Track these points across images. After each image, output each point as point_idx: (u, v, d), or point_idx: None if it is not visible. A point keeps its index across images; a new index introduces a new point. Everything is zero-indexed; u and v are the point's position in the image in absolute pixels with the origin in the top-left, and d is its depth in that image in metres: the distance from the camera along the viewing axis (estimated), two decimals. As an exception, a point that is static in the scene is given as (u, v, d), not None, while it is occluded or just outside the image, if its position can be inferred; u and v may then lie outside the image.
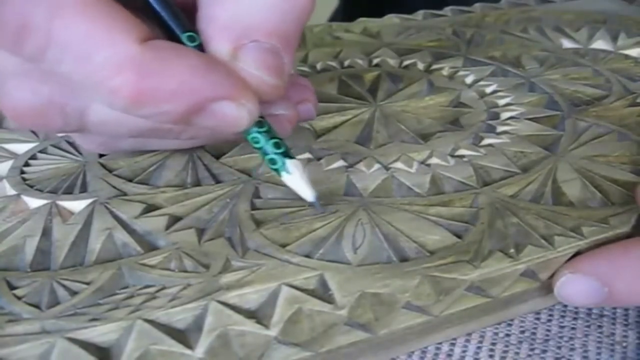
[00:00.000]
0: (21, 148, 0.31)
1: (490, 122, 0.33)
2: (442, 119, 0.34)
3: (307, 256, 0.24)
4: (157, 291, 0.23)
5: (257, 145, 0.26)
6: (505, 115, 0.34)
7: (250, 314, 0.22)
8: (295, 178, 0.26)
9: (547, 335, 0.25)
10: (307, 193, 0.26)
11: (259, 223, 0.26)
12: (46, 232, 0.26)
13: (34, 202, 0.27)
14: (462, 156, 0.30)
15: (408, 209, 0.27)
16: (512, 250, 0.24)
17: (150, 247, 0.25)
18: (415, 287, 0.23)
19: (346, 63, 0.40)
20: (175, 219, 0.26)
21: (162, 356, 0.21)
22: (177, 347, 0.21)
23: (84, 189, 0.28)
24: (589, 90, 0.36)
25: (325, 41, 0.43)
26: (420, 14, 0.47)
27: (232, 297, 0.22)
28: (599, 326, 0.26)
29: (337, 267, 0.24)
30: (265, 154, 0.26)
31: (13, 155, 0.31)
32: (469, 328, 0.25)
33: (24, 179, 0.29)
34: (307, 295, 0.23)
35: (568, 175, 0.29)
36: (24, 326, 0.21)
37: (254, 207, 0.27)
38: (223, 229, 0.26)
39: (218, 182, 0.29)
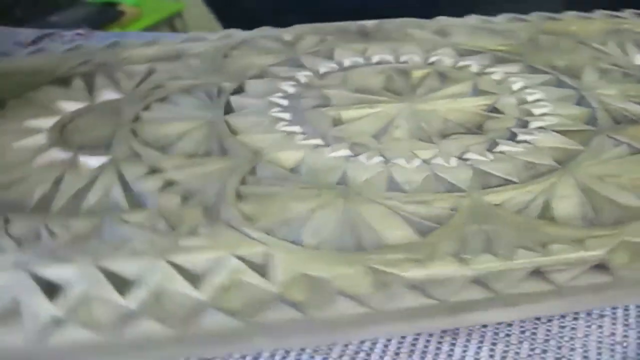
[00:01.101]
0: (73, 106, 0.35)
1: (515, 129, 0.32)
2: (468, 122, 0.33)
3: (269, 233, 0.25)
4: (123, 244, 0.25)
5: None
6: (534, 124, 0.33)
7: (192, 277, 0.24)
8: None
9: (548, 335, 0.25)
10: None
11: (241, 197, 0.27)
12: (57, 182, 0.29)
13: (60, 155, 0.31)
14: (467, 159, 0.30)
15: (385, 203, 0.27)
16: (467, 256, 0.24)
17: (138, 206, 0.28)
18: (353, 277, 0.24)
19: (402, 59, 0.40)
20: (169, 184, 0.28)
21: (101, 302, 0.23)
22: (114, 296, 0.23)
23: (108, 148, 0.31)
24: (638, 109, 0.34)
25: (393, 36, 0.43)
26: (502, 17, 0.46)
27: (181, 259, 0.24)
28: (600, 326, 0.25)
29: (288, 247, 0.25)
30: None
31: (62, 112, 0.34)
32: (417, 328, 0.25)
33: (61, 134, 0.32)
34: (248, 268, 0.24)
35: (567, 192, 0.28)
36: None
37: (244, 183, 0.28)
38: (207, 199, 0.27)
39: (225, 156, 0.31)
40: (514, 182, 0.29)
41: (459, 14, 0.46)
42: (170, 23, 1.07)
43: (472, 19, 0.46)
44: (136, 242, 0.25)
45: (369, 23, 0.45)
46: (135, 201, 0.28)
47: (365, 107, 0.34)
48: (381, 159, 0.30)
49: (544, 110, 0.34)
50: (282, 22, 0.44)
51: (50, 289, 0.23)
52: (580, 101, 0.35)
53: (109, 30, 0.83)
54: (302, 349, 0.25)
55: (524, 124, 0.33)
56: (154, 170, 0.29)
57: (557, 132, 0.32)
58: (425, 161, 0.30)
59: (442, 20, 0.45)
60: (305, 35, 0.43)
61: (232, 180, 0.28)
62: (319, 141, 0.31)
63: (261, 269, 0.24)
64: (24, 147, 0.31)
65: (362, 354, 0.24)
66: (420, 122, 0.33)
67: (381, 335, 0.25)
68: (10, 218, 0.26)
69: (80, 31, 0.51)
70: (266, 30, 0.44)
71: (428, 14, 0.46)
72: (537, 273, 0.25)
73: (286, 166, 0.30)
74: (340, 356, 0.24)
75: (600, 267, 0.25)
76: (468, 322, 0.25)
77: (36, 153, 0.31)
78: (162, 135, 0.32)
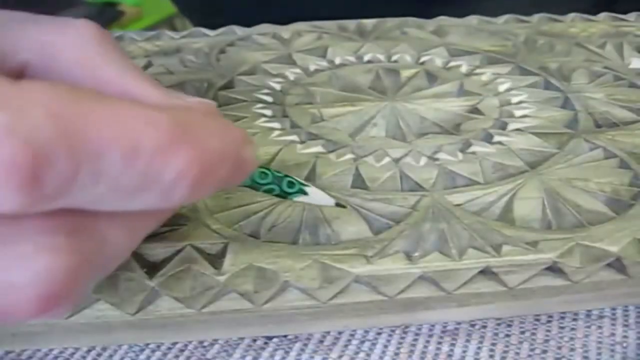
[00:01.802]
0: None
1: (492, 130, 0.32)
2: (447, 122, 0.33)
3: (229, 226, 0.26)
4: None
5: (274, 194, 0.24)
6: (512, 126, 0.33)
7: (148, 265, 0.25)
8: (313, 192, 0.25)
9: (548, 336, 0.25)
10: (328, 200, 0.25)
11: (208, 190, 0.28)
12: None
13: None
14: (437, 159, 0.30)
15: (347, 199, 0.27)
16: (416, 254, 0.25)
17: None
18: (301, 270, 0.24)
19: (394, 58, 0.40)
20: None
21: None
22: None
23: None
24: (622, 113, 0.34)
25: (389, 35, 0.44)
26: (503, 18, 0.46)
27: (142, 247, 0.25)
28: (599, 327, 0.26)
29: (245, 239, 0.25)
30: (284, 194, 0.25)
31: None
32: (369, 323, 0.26)
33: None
34: (201, 257, 0.24)
35: (531, 194, 0.28)
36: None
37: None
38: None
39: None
40: (479, 183, 0.29)
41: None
42: (170, 23, 1.08)
43: (473, 20, 0.46)
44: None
45: (368, 22, 0.45)
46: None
47: (346, 105, 0.35)
48: (352, 156, 0.30)
49: (525, 112, 0.34)
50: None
51: None
52: (565, 104, 0.35)
53: (109, 30, 0.85)
54: (302, 349, 0.25)
55: (503, 126, 0.33)
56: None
57: (535, 134, 0.32)
58: (394, 160, 0.30)
59: (442, 20, 0.45)
60: (303, 32, 0.44)
61: (203, 173, 0.29)
62: (294, 137, 0.32)
63: (213, 260, 0.25)
64: None
65: (362, 354, 0.25)
66: (398, 121, 0.33)
67: (331, 329, 0.26)
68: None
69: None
70: (265, 27, 0.45)
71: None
72: (491, 274, 0.25)
73: (260, 162, 0.30)
74: (340, 356, 0.25)
75: (557, 270, 0.25)
76: (418, 319, 0.26)
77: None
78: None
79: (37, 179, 0.15)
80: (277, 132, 0.32)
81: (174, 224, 0.26)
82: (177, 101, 0.22)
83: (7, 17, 0.22)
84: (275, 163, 0.30)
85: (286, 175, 0.24)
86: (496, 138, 0.32)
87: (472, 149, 0.31)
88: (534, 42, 0.42)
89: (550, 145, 0.31)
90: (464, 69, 0.39)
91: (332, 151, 0.31)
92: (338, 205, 0.25)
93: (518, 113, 0.34)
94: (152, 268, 0.24)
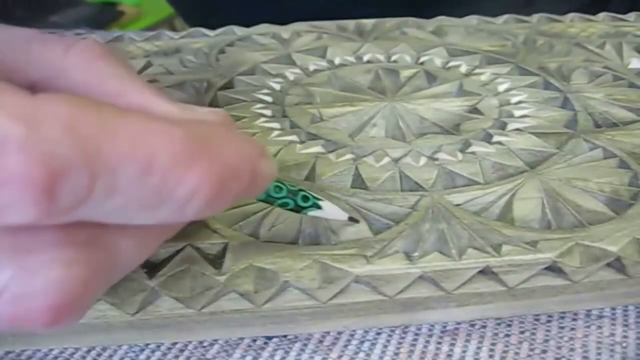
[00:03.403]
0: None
1: (491, 130, 0.32)
2: (447, 122, 0.33)
3: (229, 226, 0.26)
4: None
5: (288, 208, 0.24)
6: (512, 126, 0.33)
7: (148, 265, 0.25)
8: (327, 207, 0.25)
9: (547, 336, 0.25)
10: (341, 215, 0.25)
11: (208, 190, 0.28)
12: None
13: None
14: (436, 159, 0.30)
15: (347, 200, 0.27)
16: (415, 254, 0.25)
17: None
18: (301, 270, 0.24)
19: (393, 58, 0.41)
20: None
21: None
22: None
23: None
24: (621, 112, 0.34)
25: (389, 36, 0.44)
26: (503, 18, 0.46)
27: (141, 247, 0.25)
28: (599, 326, 0.26)
29: (244, 239, 0.25)
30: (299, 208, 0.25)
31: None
32: (368, 323, 0.26)
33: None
34: (201, 257, 0.25)
35: (530, 194, 0.28)
36: None
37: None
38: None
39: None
40: (479, 183, 0.29)
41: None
42: (170, 23, 1.08)
43: (473, 20, 0.46)
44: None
45: (367, 22, 0.45)
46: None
47: (346, 105, 0.35)
48: (351, 156, 0.30)
49: (525, 112, 0.34)
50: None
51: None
52: (565, 104, 0.35)
53: (109, 30, 0.85)
54: (302, 349, 0.25)
55: (502, 126, 0.33)
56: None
57: (534, 134, 0.32)
58: (394, 160, 0.30)
59: (441, 20, 0.45)
60: (303, 32, 0.44)
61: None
62: (294, 138, 0.32)
63: (213, 260, 0.25)
64: None
65: (361, 354, 0.25)
66: (397, 121, 0.33)
67: (331, 329, 0.26)
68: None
69: (80, 31, 0.52)
70: (265, 28, 0.45)
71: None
72: (490, 274, 0.25)
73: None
74: (340, 356, 0.25)
75: (557, 270, 0.25)
76: (418, 319, 0.26)
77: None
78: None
79: (52, 193, 0.15)
80: (276, 132, 0.32)
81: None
82: (191, 113, 0.22)
83: (11, 35, 0.22)
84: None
85: (300, 190, 0.24)
86: (495, 138, 0.32)
87: (472, 149, 0.31)
88: (534, 42, 0.42)
89: (550, 145, 0.31)
90: (463, 69, 0.39)
91: (331, 151, 0.31)
92: (351, 219, 0.25)
93: (517, 113, 0.34)
94: (152, 268, 0.24)
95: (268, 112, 0.34)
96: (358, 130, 0.33)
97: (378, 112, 0.34)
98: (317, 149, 0.31)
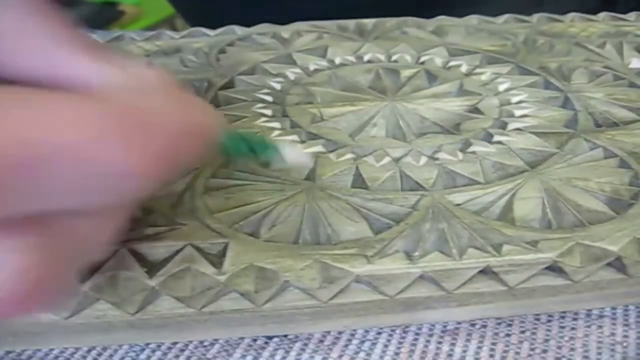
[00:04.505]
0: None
1: (492, 130, 0.32)
2: (446, 122, 0.33)
3: (229, 226, 0.26)
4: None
5: (244, 156, 0.24)
6: (512, 126, 0.33)
7: (148, 265, 0.25)
8: (287, 150, 0.24)
9: (548, 335, 0.25)
10: (303, 157, 0.26)
11: (208, 190, 0.28)
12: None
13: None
14: (437, 159, 0.30)
15: (347, 199, 0.27)
16: (416, 254, 0.25)
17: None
18: (301, 269, 0.24)
19: (394, 58, 0.41)
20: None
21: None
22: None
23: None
24: (621, 112, 0.34)
25: (389, 35, 0.44)
26: (503, 18, 0.46)
27: (142, 247, 0.25)
28: (600, 326, 0.26)
29: (245, 238, 0.25)
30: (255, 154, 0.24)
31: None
32: (369, 323, 0.26)
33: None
34: (201, 257, 0.24)
35: (531, 194, 0.28)
36: None
37: (214, 176, 0.29)
38: (180, 191, 0.28)
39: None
40: (480, 183, 0.29)
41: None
42: (171, 23, 1.08)
43: (473, 20, 0.46)
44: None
45: (368, 21, 0.45)
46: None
47: (346, 105, 0.35)
48: (352, 155, 0.30)
49: (525, 111, 0.34)
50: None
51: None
52: (565, 103, 0.35)
53: (109, 29, 0.85)
54: (303, 349, 0.25)
55: (502, 125, 0.33)
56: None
57: (534, 133, 0.32)
58: (394, 159, 0.30)
59: (442, 20, 0.45)
60: (303, 32, 0.44)
61: (204, 173, 0.29)
62: (294, 137, 0.32)
63: (213, 259, 0.25)
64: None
65: (362, 354, 0.25)
66: (398, 121, 0.33)
67: (331, 329, 0.26)
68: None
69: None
70: (265, 27, 0.45)
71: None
72: (491, 273, 0.25)
73: (259, 161, 0.30)
74: (340, 356, 0.25)
75: (557, 270, 0.25)
76: (418, 319, 0.26)
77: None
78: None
79: None
80: (277, 132, 0.32)
81: (174, 224, 0.26)
82: (126, 75, 0.20)
83: None
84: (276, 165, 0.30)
85: (255, 137, 0.23)
86: (496, 138, 0.32)
87: (472, 148, 0.31)
88: (534, 42, 0.42)
89: (550, 145, 0.31)
90: (463, 68, 0.39)
91: (332, 151, 0.31)
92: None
93: (518, 113, 0.34)
94: (152, 268, 0.24)
95: (269, 112, 0.34)
96: (358, 130, 0.33)
97: (378, 112, 0.34)
98: (317, 148, 0.31)
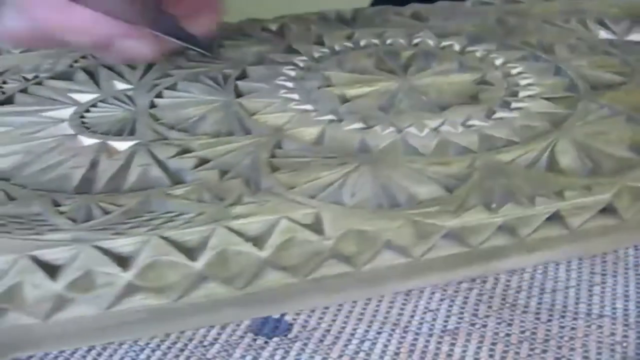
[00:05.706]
0: (84, 97, 0.36)
1: (507, 98, 0.35)
2: (463, 94, 0.36)
3: (311, 197, 0.28)
4: (176, 216, 0.27)
5: None
6: (523, 94, 0.36)
7: (249, 239, 0.26)
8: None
9: (548, 335, 0.25)
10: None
11: (274, 168, 0.29)
12: (93, 165, 0.30)
13: (87, 141, 0.32)
14: (472, 125, 0.33)
15: (409, 166, 0.29)
16: (493, 205, 0.27)
17: (178, 181, 0.29)
18: (397, 228, 0.26)
19: (388, 42, 0.43)
20: (203, 161, 0.30)
21: (169, 266, 0.25)
22: (182, 259, 0.25)
23: (132, 133, 0.33)
24: (608, 76, 0.38)
25: (374, 22, 0.46)
26: (469, 2, 0.49)
27: (237, 224, 0.26)
28: (600, 326, 0.26)
29: (333, 206, 0.27)
30: None
31: (76, 102, 0.35)
32: (450, 277, 0.28)
33: (83, 122, 0.33)
34: (301, 227, 0.26)
35: (566, 147, 0.31)
36: (60, 234, 0.25)
37: (273, 156, 0.30)
38: (243, 171, 0.29)
39: (248, 134, 0.32)
40: (517, 143, 0.32)
41: None
42: None
43: (445, 4, 0.49)
44: (189, 214, 0.26)
45: (346, 10, 0.48)
46: (175, 178, 0.29)
47: (364, 86, 0.37)
48: (394, 128, 0.33)
49: (528, 81, 0.37)
50: None
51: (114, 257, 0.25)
52: (558, 72, 0.39)
53: None
54: (302, 349, 0.25)
55: (514, 94, 0.36)
56: (184, 150, 0.31)
57: (544, 99, 0.35)
58: (434, 129, 0.33)
59: (416, 7, 0.48)
60: (289, 24, 0.45)
61: (263, 154, 0.30)
62: (332, 117, 0.34)
63: (312, 228, 0.26)
64: (50, 136, 0.32)
65: (362, 354, 0.25)
66: (420, 96, 0.36)
67: (422, 285, 0.27)
68: (57, 200, 0.28)
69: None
70: (250, 22, 0.46)
71: None
72: (553, 218, 0.28)
73: (308, 140, 0.32)
74: (340, 356, 0.25)
75: (606, 211, 0.29)
76: (495, 268, 0.28)
77: (63, 141, 0.32)
78: (182, 118, 0.34)
79: None
80: (313, 114, 0.34)
81: (259, 201, 0.27)
82: None
83: None
84: (326, 140, 0.32)
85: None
86: (514, 104, 0.35)
87: (498, 115, 0.34)
88: (505, 22, 0.46)
89: (562, 108, 0.34)
90: (456, 47, 0.42)
91: (372, 127, 0.33)
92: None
93: (522, 82, 0.37)
94: (249, 239, 0.25)
95: (295, 96, 0.36)
96: (386, 105, 0.35)
97: (398, 89, 0.36)
98: (358, 124, 0.33)
